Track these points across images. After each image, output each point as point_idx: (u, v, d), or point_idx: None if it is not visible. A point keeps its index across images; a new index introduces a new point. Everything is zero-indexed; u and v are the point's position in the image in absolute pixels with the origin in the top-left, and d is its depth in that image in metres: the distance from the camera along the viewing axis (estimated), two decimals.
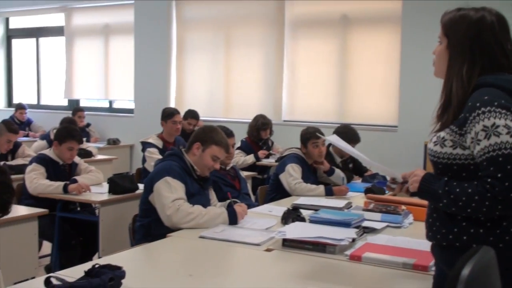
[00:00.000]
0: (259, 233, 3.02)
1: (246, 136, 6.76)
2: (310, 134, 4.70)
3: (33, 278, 3.36)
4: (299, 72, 7.68)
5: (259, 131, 6.75)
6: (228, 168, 4.34)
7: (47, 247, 4.95)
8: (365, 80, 7.21)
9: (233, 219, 3.22)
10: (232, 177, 4.31)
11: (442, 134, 1.85)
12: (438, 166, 1.87)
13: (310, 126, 4.89)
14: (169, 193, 3.21)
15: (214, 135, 3.48)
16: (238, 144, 6.35)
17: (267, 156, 6.62)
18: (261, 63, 7.91)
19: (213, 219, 3.18)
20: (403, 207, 3.53)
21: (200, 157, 3.44)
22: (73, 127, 5.04)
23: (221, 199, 3.73)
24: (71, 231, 4.42)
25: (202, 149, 3.44)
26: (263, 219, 3.41)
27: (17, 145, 5.54)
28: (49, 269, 4.52)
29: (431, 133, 1.92)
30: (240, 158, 6.31)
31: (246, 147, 6.56)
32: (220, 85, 8.23)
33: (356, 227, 2.99)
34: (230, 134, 4.31)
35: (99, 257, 4.02)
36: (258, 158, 6.48)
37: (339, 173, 4.94)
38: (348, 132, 5.32)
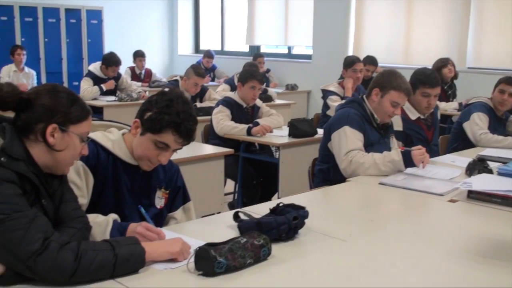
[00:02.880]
0: (443, 183, 2.92)
1: None
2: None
3: (218, 213, 3.60)
4: (487, 15, 7.11)
5: (440, 69, 6.36)
6: (426, 115, 3.90)
7: (229, 186, 5.26)
8: None
9: (408, 161, 3.08)
10: (427, 127, 3.91)
11: None
12: None
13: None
14: (344, 145, 3.18)
15: (393, 79, 3.31)
16: None
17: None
18: (445, 6, 7.44)
19: (387, 164, 3.09)
20: None
21: (379, 103, 3.32)
22: (254, 69, 5.24)
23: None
24: (252, 171, 4.64)
25: (381, 95, 3.31)
26: (445, 168, 3.29)
27: (204, 89, 5.88)
28: (232, 206, 4.82)
29: None
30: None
31: None
32: (400, 30, 7.91)
33: None
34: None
35: (278, 198, 4.18)
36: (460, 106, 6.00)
37: None
38: None
